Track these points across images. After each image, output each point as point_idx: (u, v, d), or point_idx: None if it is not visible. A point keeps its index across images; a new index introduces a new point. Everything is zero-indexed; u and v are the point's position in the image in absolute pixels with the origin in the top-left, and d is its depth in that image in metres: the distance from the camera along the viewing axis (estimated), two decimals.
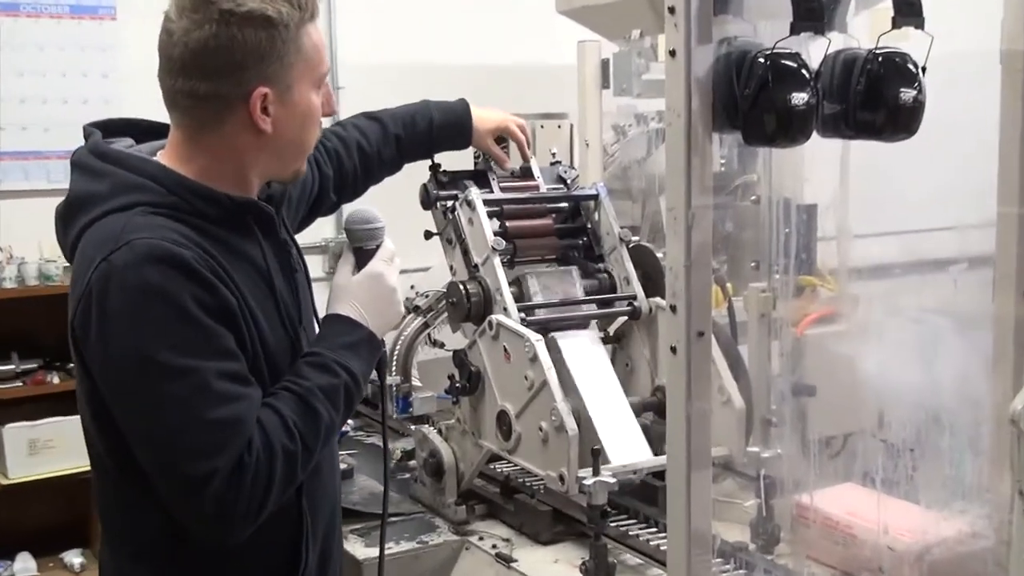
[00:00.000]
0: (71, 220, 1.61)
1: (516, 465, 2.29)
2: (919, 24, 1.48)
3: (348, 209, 1.85)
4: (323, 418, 1.61)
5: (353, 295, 1.72)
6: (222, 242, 1.59)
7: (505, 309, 2.20)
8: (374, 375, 1.75)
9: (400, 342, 3.10)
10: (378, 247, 1.77)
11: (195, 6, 1.54)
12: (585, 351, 2.23)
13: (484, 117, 2.32)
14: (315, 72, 1.63)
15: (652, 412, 2.28)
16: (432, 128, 2.25)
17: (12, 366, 4.27)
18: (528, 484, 2.49)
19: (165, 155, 1.64)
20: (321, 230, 4.72)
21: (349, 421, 3.34)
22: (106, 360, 1.52)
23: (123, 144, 1.67)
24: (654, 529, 2.26)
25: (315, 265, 4.74)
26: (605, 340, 2.36)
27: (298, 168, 1.70)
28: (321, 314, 1.78)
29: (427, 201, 2.39)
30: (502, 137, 2.39)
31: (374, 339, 1.71)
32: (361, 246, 1.77)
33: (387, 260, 1.76)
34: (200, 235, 1.56)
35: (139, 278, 1.48)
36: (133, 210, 1.55)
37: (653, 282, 2.34)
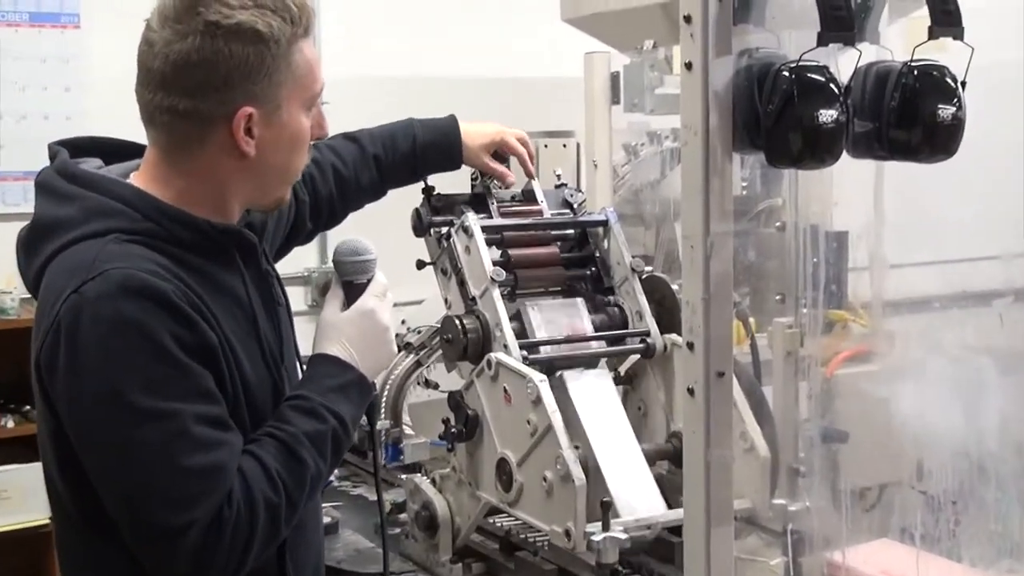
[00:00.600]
0: (36, 248, 1.62)
1: (517, 519, 2.28)
2: (958, 34, 1.49)
3: (335, 239, 1.85)
4: (309, 467, 1.61)
5: (342, 333, 1.72)
6: (201, 272, 1.60)
7: (505, 346, 2.20)
8: (364, 420, 1.75)
9: (390, 383, 3.09)
10: (369, 281, 1.78)
11: (179, 16, 1.55)
12: (595, 392, 2.23)
13: (475, 132, 2.32)
14: (306, 92, 1.64)
15: (667, 461, 2.27)
16: (415, 147, 2.25)
17: None
18: (531, 540, 2.48)
19: (139, 176, 1.65)
20: (303, 259, 4.72)
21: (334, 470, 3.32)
22: (74, 399, 1.52)
23: (91, 165, 1.68)
24: None
25: (297, 297, 4.74)
26: (616, 381, 2.36)
27: (280, 196, 1.72)
28: (304, 352, 1.79)
29: (420, 227, 2.39)
30: (503, 156, 2.39)
31: (365, 381, 1.72)
32: (351, 280, 1.78)
33: (379, 295, 1.77)
34: (178, 265, 1.57)
35: (113, 311, 1.48)
36: (106, 237, 1.56)
37: (668, 317, 2.34)
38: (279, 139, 1.62)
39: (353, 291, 1.77)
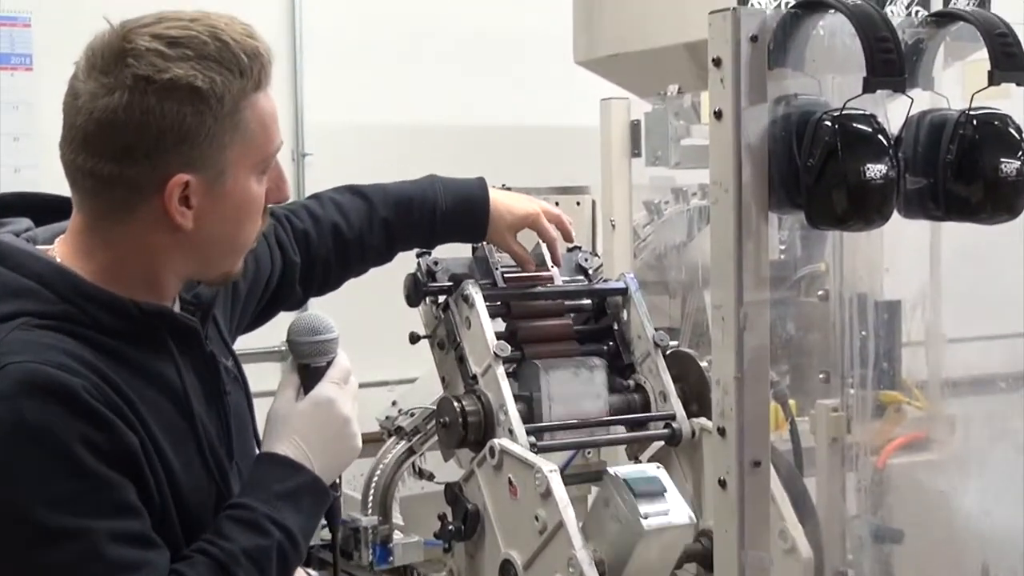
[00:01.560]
0: None
1: None
2: (1022, 79, 1.51)
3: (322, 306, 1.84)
4: None
5: (294, 428, 1.69)
6: (126, 361, 1.57)
7: (510, 431, 2.20)
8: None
9: (379, 473, 3.09)
10: (329, 364, 1.75)
11: (106, 66, 1.52)
12: None
13: (506, 207, 2.27)
14: (259, 153, 1.61)
15: (696, 563, 2.26)
16: (435, 215, 2.21)
17: None
18: None
19: (63, 245, 1.63)
20: (279, 331, 4.70)
21: (312, 573, 3.31)
22: None
23: (15, 228, 1.66)
24: None
25: (271, 376, 4.69)
26: None
27: (228, 271, 1.69)
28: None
29: (414, 295, 2.39)
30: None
31: (319, 485, 1.68)
32: (307, 363, 1.75)
33: (339, 382, 1.74)
34: (97, 354, 1.54)
35: (14, 414, 1.46)
36: (13, 322, 1.52)
37: (696, 398, 2.34)
38: (223, 209, 1.60)
39: (310, 376, 1.74)
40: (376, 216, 2.16)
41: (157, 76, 1.50)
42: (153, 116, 1.51)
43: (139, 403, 1.55)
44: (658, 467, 2.19)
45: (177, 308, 1.68)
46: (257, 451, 1.75)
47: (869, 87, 1.45)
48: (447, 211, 2.21)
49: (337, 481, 1.77)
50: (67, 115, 1.56)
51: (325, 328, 1.76)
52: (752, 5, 2.22)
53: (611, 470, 2.17)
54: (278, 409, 1.72)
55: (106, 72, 1.51)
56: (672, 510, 2.09)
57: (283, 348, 4.67)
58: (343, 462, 1.74)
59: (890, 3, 2.11)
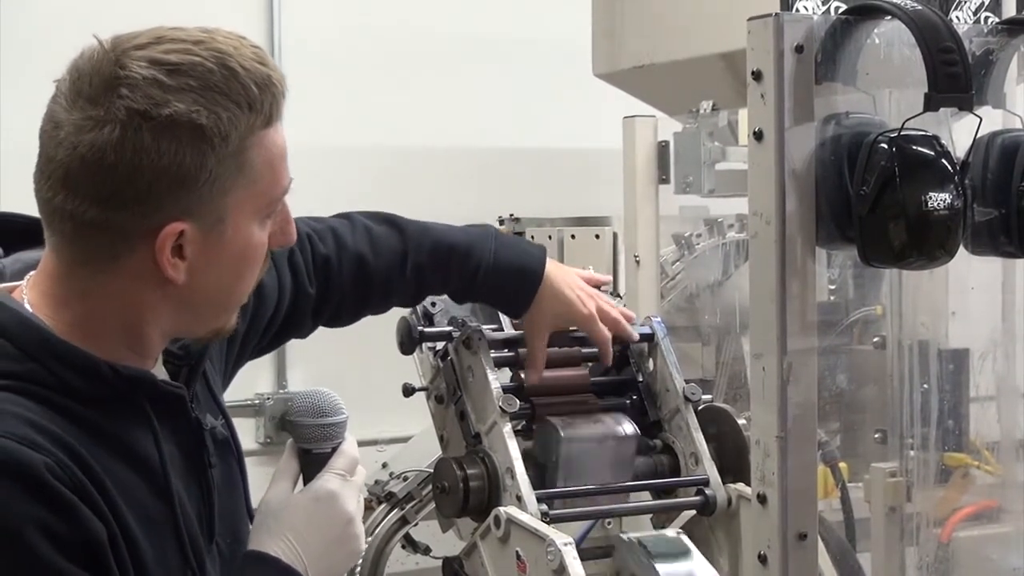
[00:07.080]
0: None
1: None
2: None
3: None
4: None
5: (289, 524, 1.69)
6: (96, 432, 1.56)
7: (518, 498, 2.20)
8: None
9: (366, 545, 3.08)
10: (334, 451, 1.75)
11: (95, 94, 1.49)
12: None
13: (560, 296, 2.21)
14: (264, 197, 1.60)
15: None
16: (476, 277, 2.17)
17: None
18: None
19: (34, 287, 1.62)
20: (254, 382, 4.66)
21: None
22: None
23: None
24: None
25: (243, 433, 4.70)
26: None
27: (220, 326, 1.68)
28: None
29: (409, 341, 2.40)
30: None
31: None
32: (308, 448, 1.75)
33: (343, 473, 1.74)
34: (64, 422, 1.52)
35: None
36: None
37: (733, 461, 2.34)
38: (221, 260, 1.59)
39: (311, 463, 1.74)
40: (408, 259, 2.13)
41: (155, 111, 1.48)
42: (147, 157, 1.49)
43: (109, 483, 1.53)
44: (678, 532, 2.19)
45: (160, 361, 1.67)
46: (248, 525, 1.75)
47: (931, 104, 1.46)
48: (490, 272, 2.17)
49: None
50: (45, 145, 1.53)
51: (333, 409, 1.75)
52: (797, 11, 2.23)
53: (623, 535, 2.17)
54: (271, 500, 1.71)
55: (94, 101, 1.49)
56: (696, 572, 2.08)
57: (257, 402, 4.72)
58: (341, 568, 1.73)
59: (955, 8, 2.12)
